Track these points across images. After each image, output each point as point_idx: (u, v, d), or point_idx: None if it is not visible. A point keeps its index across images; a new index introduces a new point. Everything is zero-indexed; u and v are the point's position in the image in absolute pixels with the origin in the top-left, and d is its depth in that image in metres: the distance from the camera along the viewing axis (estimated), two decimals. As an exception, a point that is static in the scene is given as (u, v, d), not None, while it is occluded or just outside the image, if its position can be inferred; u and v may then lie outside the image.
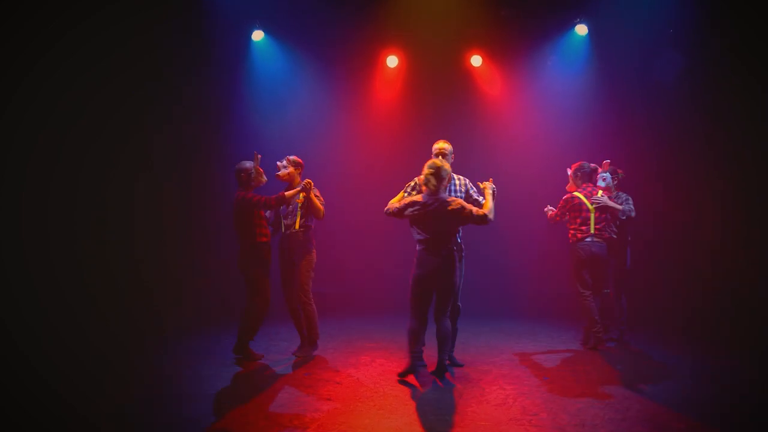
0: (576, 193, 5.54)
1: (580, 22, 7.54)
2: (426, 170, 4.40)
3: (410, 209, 4.43)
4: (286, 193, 4.97)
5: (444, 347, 4.54)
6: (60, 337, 5.75)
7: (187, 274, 7.40)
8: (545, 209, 5.77)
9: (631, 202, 5.66)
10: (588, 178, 5.63)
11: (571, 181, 5.68)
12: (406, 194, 4.74)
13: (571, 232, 5.55)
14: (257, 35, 7.73)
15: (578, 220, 5.48)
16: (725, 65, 6.61)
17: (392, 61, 8.04)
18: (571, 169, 5.68)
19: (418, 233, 4.45)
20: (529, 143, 7.85)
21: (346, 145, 8.10)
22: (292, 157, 5.27)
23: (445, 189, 4.59)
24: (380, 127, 8.18)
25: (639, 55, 7.22)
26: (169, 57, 7.09)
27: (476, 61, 7.98)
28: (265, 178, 5.17)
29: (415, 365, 4.52)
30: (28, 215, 6.32)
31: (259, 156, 5.13)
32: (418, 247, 4.50)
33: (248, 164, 5.09)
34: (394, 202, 4.59)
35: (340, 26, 7.68)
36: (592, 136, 7.46)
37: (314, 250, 5.27)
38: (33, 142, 6.29)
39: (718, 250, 6.68)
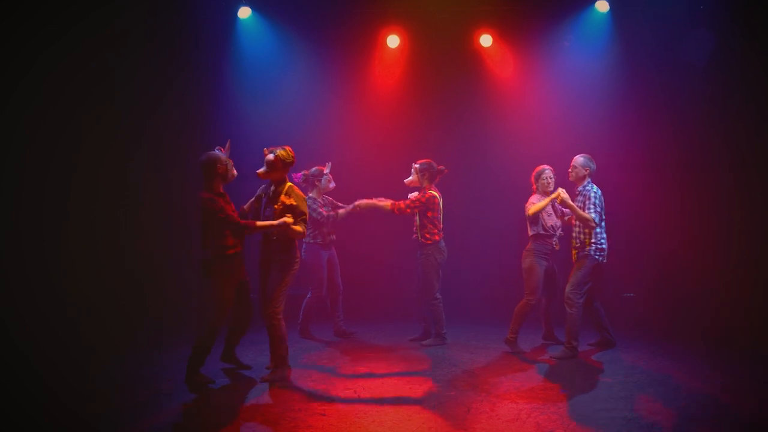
0: (433, 192, 5.99)
1: (601, -2, 7.49)
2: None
3: None
4: (257, 224, 4.76)
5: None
6: (47, 339, 5.77)
7: (184, 274, 7.38)
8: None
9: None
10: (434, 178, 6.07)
11: (416, 177, 6.04)
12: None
13: (435, 231, 5.99)
14: (244, 12, 7.66)
15: (436, 221, 6.01)
16: (764, 46, 6.55)
17: (393, 40, 7.99)
18: (417, 164, 6.06)
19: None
20: (544, 131, 7.79)
21: (342, 133, 8.04)
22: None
23: None
24: (379, 113, 8.14)
25: (666, 34, 7.16)
26: (144, 38, 7.01)
27: (486, 40, 7.91)
28: (235, 172, 4.99)
29: None
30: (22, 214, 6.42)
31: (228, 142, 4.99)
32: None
33: (221, 154, 4.88)
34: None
35: (336, 2, 7.62)
36: (612, 124, 7.42)
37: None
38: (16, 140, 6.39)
39: (747, 252, 6.64)
